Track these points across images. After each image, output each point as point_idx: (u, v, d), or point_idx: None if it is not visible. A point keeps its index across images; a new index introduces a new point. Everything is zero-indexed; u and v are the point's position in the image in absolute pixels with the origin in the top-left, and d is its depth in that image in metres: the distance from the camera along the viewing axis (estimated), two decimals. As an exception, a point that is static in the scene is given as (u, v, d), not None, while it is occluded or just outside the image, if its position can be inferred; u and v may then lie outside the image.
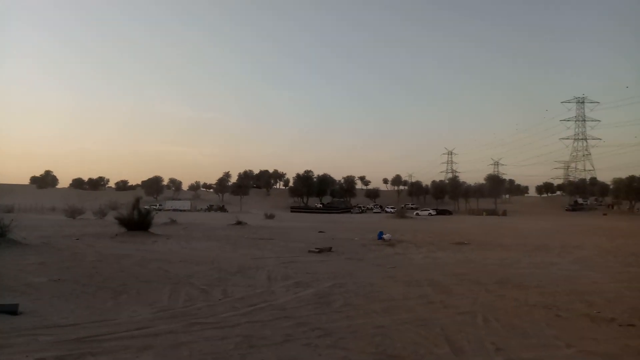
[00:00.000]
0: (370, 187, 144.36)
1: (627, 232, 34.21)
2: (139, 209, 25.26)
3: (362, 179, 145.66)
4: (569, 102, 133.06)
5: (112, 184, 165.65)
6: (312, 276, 11.74)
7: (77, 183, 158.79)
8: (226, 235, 25.61)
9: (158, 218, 30.00)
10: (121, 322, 7.05)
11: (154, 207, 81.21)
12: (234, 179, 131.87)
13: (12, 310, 7.21)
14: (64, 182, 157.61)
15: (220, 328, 6.78)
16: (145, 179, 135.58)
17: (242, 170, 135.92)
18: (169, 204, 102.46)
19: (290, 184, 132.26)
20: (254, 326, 6.91)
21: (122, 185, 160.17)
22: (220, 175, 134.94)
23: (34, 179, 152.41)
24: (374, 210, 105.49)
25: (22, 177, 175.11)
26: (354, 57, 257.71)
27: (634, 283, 11.34)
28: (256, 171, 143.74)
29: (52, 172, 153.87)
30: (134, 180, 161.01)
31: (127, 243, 20.03)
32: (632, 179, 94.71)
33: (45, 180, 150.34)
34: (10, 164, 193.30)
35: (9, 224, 17.06)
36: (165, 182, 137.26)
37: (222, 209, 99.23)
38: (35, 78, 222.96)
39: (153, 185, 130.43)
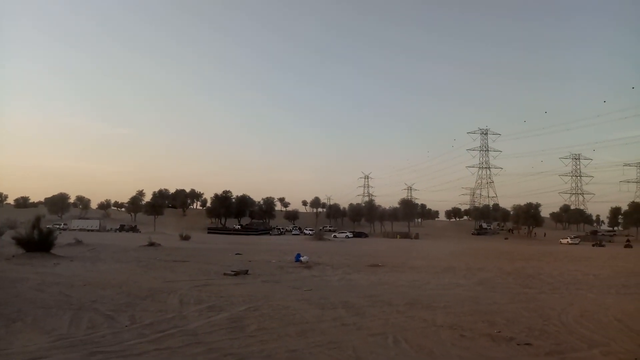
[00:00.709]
0: (289, 208, 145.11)
1: (526, 255, 36.99)
2: (39, 228, 23.46)
3: (281, 200, 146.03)
4: (474, 132, 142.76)
5: (10, 200, 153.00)
6: (227, 300, 11.50)
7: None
8: (137, 257, 24.42)
9: (62, 238, 28.01)
10: (14, 352, 6.49)
11: (58, 226, 75.82)
12: (148, 197, 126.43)
13: None
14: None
15: (124, 357, 6.42)
16: (49, 195, 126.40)
17: (157, 189, 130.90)
18: (75, 223, 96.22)
19: (208, 204, 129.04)
20: (162, 354, 6.62)
21: (23, 202, 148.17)
22: (133, 193, 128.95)
23: None
24: (292, 232, 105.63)
25: None
26: (274, 81, 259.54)
27: (531, 303, 12.25)
28: (172, 190, 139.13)
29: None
30: (37, 197, 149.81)
31: (25, 265, 18.51)
32: (529, 206, 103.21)
33: None
34: None
35: None
36: (71, 200, 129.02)
37: (134, 229, 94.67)
38: None
39: (58, 202, 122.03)
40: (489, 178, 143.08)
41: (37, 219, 24.33)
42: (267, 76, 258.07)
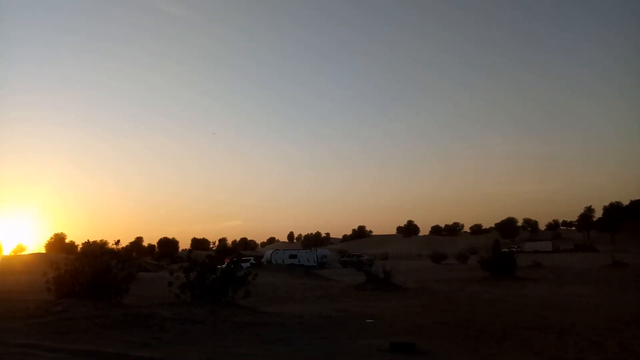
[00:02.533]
0: None
1: None
2: (499, 252, 25.08)
3: None
4: None
5: (467, 228, 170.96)
6: None
7: (436, 230, 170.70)
8: (604, 278, 22.53)
9: (520, 261, 29.02)
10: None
11: (513, 249, 79.35)
12: (598, 213, 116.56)
13: (409, 349, 8.01)
14: (424, 229, 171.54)
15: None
16: (498, 221, 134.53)
17: (607, 203, 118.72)
18: (528, 246, 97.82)
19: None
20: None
21: (477, 229, 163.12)
22: (581, 210, 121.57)
23: (399, 229, 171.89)
24: None
25: (390, 228, 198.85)
26: None
27: None
28: (626, 202, 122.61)
29: (413, 221, 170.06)
30: (487, 223, 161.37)
31: (494, 287, 19.99)
32: None
33: (409, 229, 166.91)
34: (380, 217, 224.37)
35: (390, 270, 19.57)
36: (519, 223, 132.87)
37: (590, 248, 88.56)
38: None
39: (507, 227, 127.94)
40: None
41: (496, 244, 26.26)
42: None
